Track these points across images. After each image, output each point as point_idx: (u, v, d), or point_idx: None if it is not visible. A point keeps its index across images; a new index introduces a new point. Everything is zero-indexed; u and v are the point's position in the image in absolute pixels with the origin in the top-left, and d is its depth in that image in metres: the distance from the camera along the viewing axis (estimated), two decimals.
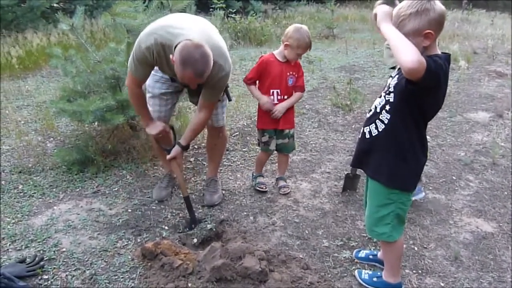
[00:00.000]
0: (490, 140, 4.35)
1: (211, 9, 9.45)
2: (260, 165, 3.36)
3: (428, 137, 4.48)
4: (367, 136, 2.04)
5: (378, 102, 2.01)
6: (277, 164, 3.47)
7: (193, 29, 2.39)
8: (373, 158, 2.02)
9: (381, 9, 1.82)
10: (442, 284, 2.37)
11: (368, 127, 2.04)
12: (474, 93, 5.97)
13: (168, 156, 2.75)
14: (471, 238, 2.79)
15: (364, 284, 2.33)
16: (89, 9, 10.27)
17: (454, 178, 3.58)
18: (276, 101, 3.03)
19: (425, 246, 2.70)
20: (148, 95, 2.89)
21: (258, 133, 3.24)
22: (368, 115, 2.09)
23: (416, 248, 2.67)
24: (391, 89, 1.92)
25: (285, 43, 2.90)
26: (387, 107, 1.93)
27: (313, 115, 4.90)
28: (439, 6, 1.74)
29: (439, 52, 1.85)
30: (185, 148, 2.76)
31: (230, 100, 2.96)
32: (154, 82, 2.85)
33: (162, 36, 2.36)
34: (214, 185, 3.17)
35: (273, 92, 3.02)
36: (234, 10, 10.45)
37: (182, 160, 3.28)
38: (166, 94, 2.89)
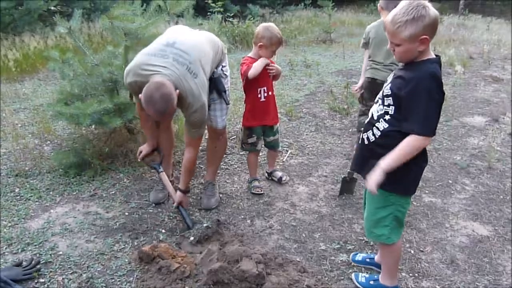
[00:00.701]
0: (486, 144, 4.37)
1: (209, 13, 9.48)
2: (253, 167, 3.38)
3: None
4: (366, 142, 2.06)
5: (376, 110, 2.03)
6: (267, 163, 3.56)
7: (168, 68, 2.48)
8: (372, 164, 2.01)
9: (369, 180, 1.94)
10: (438, 287, 2.38)
11: (366, 133, 2.07)
12: (470, 97, 6.01)
13: (174, 205, 2.92)
14: (467, 242, 2.81)
15: (361, 287, 2.34)
16: (86, 12, 10.28)
17: (450, 182, 3.60)
18: (263, 99, 3.13)
19: (421, 249, 2.71)
20: None
21: (243, 135, 3.27)
22: (366, 121, 2.11)
23: (412, 251, 2.67)
24: (389, 101, 1.93)
25: (259, 44, 2.98)
26: (387, 117, 1.95)
27: (310, 119, 4.92)
28: (433, 11, 1.77)
29: (432, 55, 1.89)
30: (185, 192, 2.92)
31: (227, 103, 2.97)
32: None
33: (137, 74, 2.53)
34: (212, 188, 3.17)
35: (260, 90, 3.11)
36: (232, 14, 10.48)
37: (171, 171, 3.31)
38: None
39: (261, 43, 2.97)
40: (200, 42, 2.74)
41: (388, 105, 1.95)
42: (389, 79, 2.02)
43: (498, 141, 4.47)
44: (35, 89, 5.90)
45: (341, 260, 2.56)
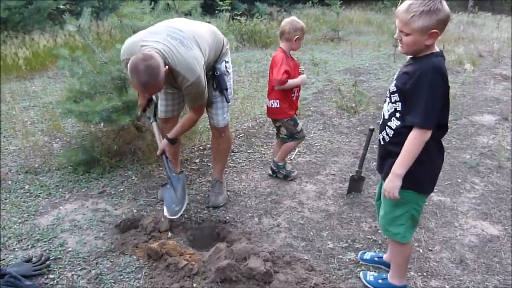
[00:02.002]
0: (496, 143, 4.33)
1: (216, 11, 9.48)
2: (288, 153, 3.49)
3: None
4: (382, 142, 2.08)
5: (387, 109, 2.04)
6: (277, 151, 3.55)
7: (160, 42, 2.47)
8: (388, 162, 2.02)
9: (386, 188, 1.96)
10: (447, 287, 2.37)
11: (381, 134, 2.08)
12: (480, 96, 5.95)
13: (158, 152, 2.88)
14: (477, 241, 2.79)
15: (369, 286, 2.34)
16: (95, 10, 10.32)
17: (459, 181, 3.57)
18: (294, 98, 3.27)
19: (430, 248, 2.69)
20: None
21: (289, 126, 3.30)
22: (380, 121, 2.12)
23: (421, 251, 2.66)
24: (396, 97, 1.95)
25: (296, 37, 3.06)
26: (397, 115, 1.96)
27: (318, 117, 4.90)
28: (446, 7, 1.78)
29: (437, 49, 1.90)
30: (171, 141, 2.85)
31: (228, 101, 2.96)
32: None
33: (130, 52, 2.48)
34: (219, 186, 3.18)
35: (294, 90, 3.23)
36: (240, 12, 10.48)
37: (178, 151, 3.34)
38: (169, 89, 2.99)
39: (297, 36, 3.06)
40: (196, 26, 2.76)
41: (395, 102, 1.96)
42: (395, 76, 2.03)
43: (508, 140, 4.42)
44: (44, 87, 5.94)
45: (349, 259, 2.56)
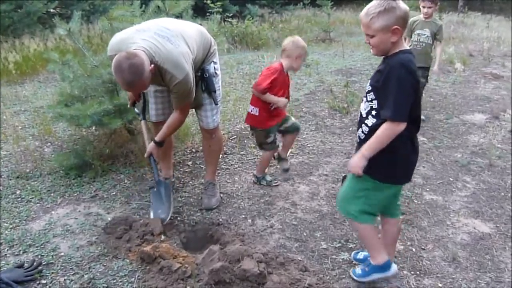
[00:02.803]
0: (487, 141, 4.37)
1: (207, 13, 9.48)
2: (266, 165, 3.45)
3: (424, 139, 4.52)
4: (359, 139, 2.18)
5: (363, 107, 2.14)
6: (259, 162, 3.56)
7: (147, 40, 2.46)
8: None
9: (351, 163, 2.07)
10: (440, 285, 2.38)
11: (358, 131, 2.18)
12: (471, 95, 6.00)
13: (146, 155, 2.86)
14: (469, 239, 2.81)
15: (359, 279, 2.37)
16: (86, 14, 10.26)
17: (451, 179, 3.60)
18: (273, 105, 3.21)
19: (422, 247, 2.70)
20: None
21: (259, 137, 3.28)
22: (358, 120, 2.21)
23: (414, 250, 2.67)
24: (371, 96, 2.07)
25: (297, 55, 3.09)
26: (373, 113, 2.06)
27: (310, 118, 4.92)
28: (403, 5, 1.93)
29: (406, 47, 2.03)
30: (158, 144, 2.82)
31: (216, 104, 2.94)
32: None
33: (116, 49, 2.47)
34: (212, 188, 3.17)
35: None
36: (231, 14, 10.49)
37: (170, 153, 3.34)
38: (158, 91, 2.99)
39: (298, 53, 3.08)
40: (184, 25, 2.77)
41: (371, 100, 2.07)
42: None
43: (499, 138, 4.46)
44: (35, 91, 5.90)
45: (342, 259, 2.56)
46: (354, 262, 2.54)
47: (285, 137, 3.41)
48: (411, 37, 4.77)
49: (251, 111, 3.20)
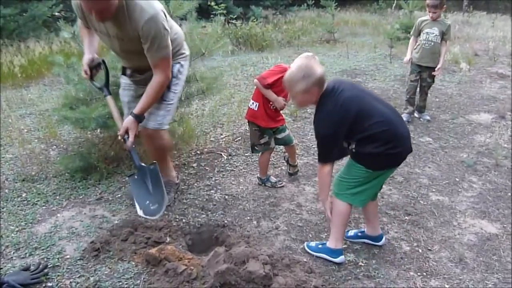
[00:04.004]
0: (493, 141, 4.34)
1: (212, 15, 9.49)
2: (265, 166, 3.42)
3: (430, 139, 4.49)
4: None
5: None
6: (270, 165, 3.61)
7: None
8: None
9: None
10: (447, 286, 2.36)
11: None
12: (476, 95, 5.97)
13: (119, 132, 2.59)
14: (475, 240, 2.79)
15: (308, 250, 2.60)
16: None
17: (457, 180, 3.58)
18: (273, 108, 3.23)
19: (429, 248, 2.69)
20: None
21: (254, 137, 3.28)
22: None
23: (420, 250, 2.66)
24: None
25: None
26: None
27: None
28: (319, 69, 2.26)
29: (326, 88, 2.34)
30: (137, 117, 2.56)
31: (166, 101, 2.70)
32: (122, 90, 3.01)
33: None
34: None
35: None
36: (235, 16, 10.49)
37: (175, 173, 3.16)
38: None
39: None
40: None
41: None
42: None
43: (505, 138, 4.43)
44: (40, 95, 5.93)
45: (348, 260, 2.55)
46: (359, 263, 2.53)
47: (285, 147, 3.51)
48: (418, 37, 4.78)
49: (251, 105, 3.23)
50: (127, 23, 2.34)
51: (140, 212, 2.63)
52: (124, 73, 2.93)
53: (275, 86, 3.07)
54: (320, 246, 2.59)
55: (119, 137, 2.63)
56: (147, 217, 2.61)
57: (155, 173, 2.69)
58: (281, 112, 3.29)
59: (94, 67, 2.76)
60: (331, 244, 2.53)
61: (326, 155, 2.35)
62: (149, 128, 2.72)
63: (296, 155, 3.59)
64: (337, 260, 2.50)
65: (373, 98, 2.38)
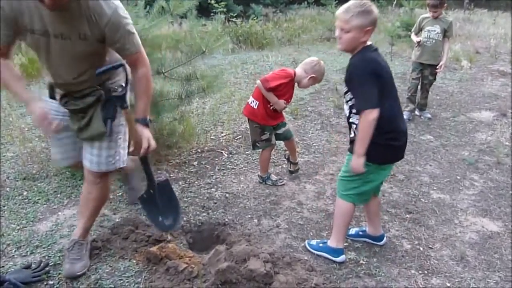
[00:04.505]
0: (494, 139, 4.33)
1: (212, 13, 9.48)
2: (266, 164, 3.42)
3: (431, 137, 4.48)
4: (350, 141, 2.41)
5: (345, 108, 2.37)
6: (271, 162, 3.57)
7: None
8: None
9: (353, 166, 2.30)
10: (448, 284, 2.36)
11: (349, 131, 2.40)
12: (477, 92, 5.96)
13: (144, 151, 2.26)
14: (477, 238, 2.78)
15: (310, 249, 2.59)
16: None
17: (458, 178, 3.57)
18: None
19: (430, 246, 2.69)
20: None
21: (255, 134, 3.30)
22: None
23: (421, 249, 2.65)
24: (349, 95, 2.28)
25: (312, 76, 3.15)
26: (354, 111, 2.27)
27: (315, 117, 4.90)
28: (376, 9, 2.16)
29: (373, 45, 2.26)
30: (146, 121, 2.26)
31: (109, 134, 2.21)
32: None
33: None
34: (78, 250, 2.40)
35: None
36: (235, 14, 10.48)
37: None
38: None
39: (314, 76, 3.16)
40: None
41: (350, 99, 2.27)
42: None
43: (507, 136, 4.43)
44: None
45: (349, 258, 2.55)
46: (360, 261, 2.53)
47: (285, 143, 3.51)
48: (418, 33, 4.79)
49: (251, 103, 3.24)
50: (82, 17, 1.94)
51: (155, 229, 2.65)
52: (52, 96, 2.43)
53: (278, 90, 3.09)
54: (321, 244, 2.58)
55: (144, 153, 2.32)
56: (165, 231, 2.62)
57: (166, 189, 2.61)
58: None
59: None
60: (332, 243, 2.52)
61: (368, 98, 2.12)
62: (94, 170, 2.30)
63: (297, 153, 3.59)
64: (338, 259, 2.50)
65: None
